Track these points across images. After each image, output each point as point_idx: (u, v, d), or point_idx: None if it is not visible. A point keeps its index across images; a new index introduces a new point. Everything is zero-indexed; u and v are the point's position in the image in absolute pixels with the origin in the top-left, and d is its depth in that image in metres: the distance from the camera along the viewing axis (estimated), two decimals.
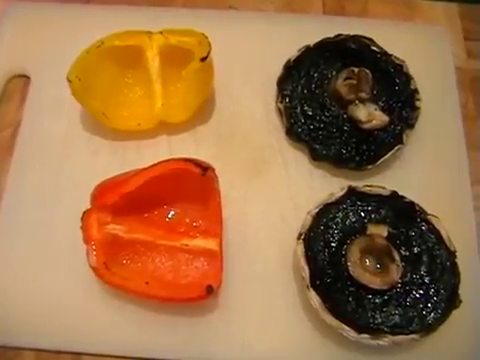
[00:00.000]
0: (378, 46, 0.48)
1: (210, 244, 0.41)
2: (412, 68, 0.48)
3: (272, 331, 0.41)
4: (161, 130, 0.48)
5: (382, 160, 0.45)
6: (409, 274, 0.40)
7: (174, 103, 0.46)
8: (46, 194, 0.46)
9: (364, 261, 0.40)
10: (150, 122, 0.47)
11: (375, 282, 0.39)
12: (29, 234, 0.44)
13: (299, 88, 0.47)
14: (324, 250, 0.41)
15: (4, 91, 0.51)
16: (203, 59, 0.43)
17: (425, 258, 0.40)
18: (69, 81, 0.43)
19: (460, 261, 0.40)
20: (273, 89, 0.49)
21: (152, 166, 0.40)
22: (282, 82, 0.48)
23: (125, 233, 0.41)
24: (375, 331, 0.38)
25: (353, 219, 0.42)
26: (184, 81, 0.44)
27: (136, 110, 0.47)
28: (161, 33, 0.46)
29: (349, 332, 0.38)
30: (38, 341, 0.41)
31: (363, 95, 0.44)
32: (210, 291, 0.38)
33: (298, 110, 0.47)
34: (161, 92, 0.46)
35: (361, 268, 0.39)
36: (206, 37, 0.44)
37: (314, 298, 0.39)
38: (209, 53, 0.43)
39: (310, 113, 0.46)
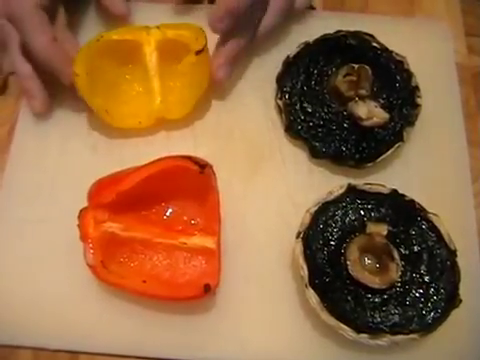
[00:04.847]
0: (378, 42, 0.48)
1: (208, 242, 0.41)
2: (413, 64, 0.47)
3: (270, 330, 0.41)
4: (160, 127, 0.47)
5: (382, 158, 0.45)
6: (409, 273, 0.40)
7: (172, 99, 0.45)
8: (43, 192, 0.45)
9: (363, 260, 0.40)
10: (149, 119, 0.46)
11: (374, 281, 0.38)
12: (26, 232, 0.44)
13: (298, 85, 0.47)
14: (323, 249, 0.40)
15: (2, 87, 0.50)
16: (198, 52, 0.43)
17: (425, 257, 0.40)
18: (76, 75, 0.42)
19: (460, 260, 0.40)
20: (272, 86, 0.48)
21: (149, 164, 0.40)
22: (281, 79, 0.47)
23: (122, 231, 0.40)
24: (374, 331, 0.38)
25: (352, 217, 0.41)
26: (181, 76, 0.44)
27: (136, 107, 0.47)
28: (158, 28, 0.45)
29: (348, 332, 0.38)
30: (35, 339, 0.41)
31: (363, 92, 0.44)
32: (208, 290, 0.38)
33: (297, 107, 0.46)
34: (159, 88, 0.46)
35: (360, 267, 0.39)
36: (203, 31, 0.44)
37: (313, 297, 0.39)
38: (205, 46, 0.43)
39: (310, 110, 0.46)
